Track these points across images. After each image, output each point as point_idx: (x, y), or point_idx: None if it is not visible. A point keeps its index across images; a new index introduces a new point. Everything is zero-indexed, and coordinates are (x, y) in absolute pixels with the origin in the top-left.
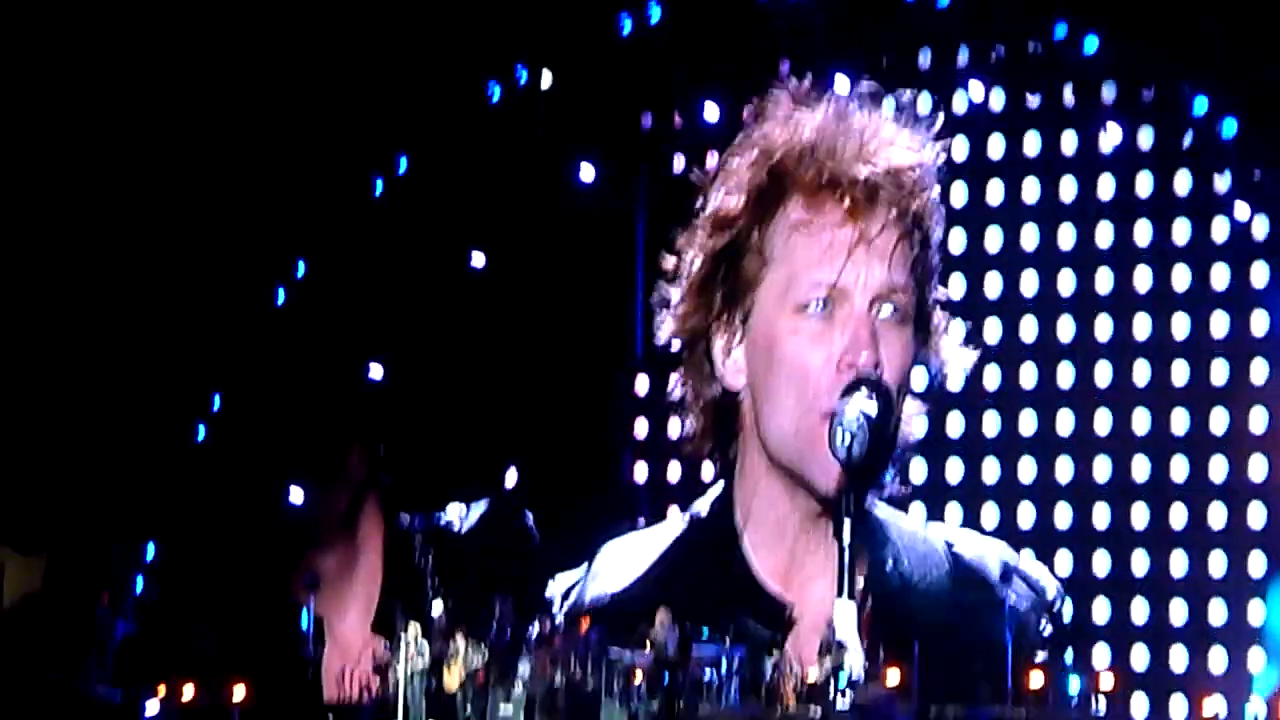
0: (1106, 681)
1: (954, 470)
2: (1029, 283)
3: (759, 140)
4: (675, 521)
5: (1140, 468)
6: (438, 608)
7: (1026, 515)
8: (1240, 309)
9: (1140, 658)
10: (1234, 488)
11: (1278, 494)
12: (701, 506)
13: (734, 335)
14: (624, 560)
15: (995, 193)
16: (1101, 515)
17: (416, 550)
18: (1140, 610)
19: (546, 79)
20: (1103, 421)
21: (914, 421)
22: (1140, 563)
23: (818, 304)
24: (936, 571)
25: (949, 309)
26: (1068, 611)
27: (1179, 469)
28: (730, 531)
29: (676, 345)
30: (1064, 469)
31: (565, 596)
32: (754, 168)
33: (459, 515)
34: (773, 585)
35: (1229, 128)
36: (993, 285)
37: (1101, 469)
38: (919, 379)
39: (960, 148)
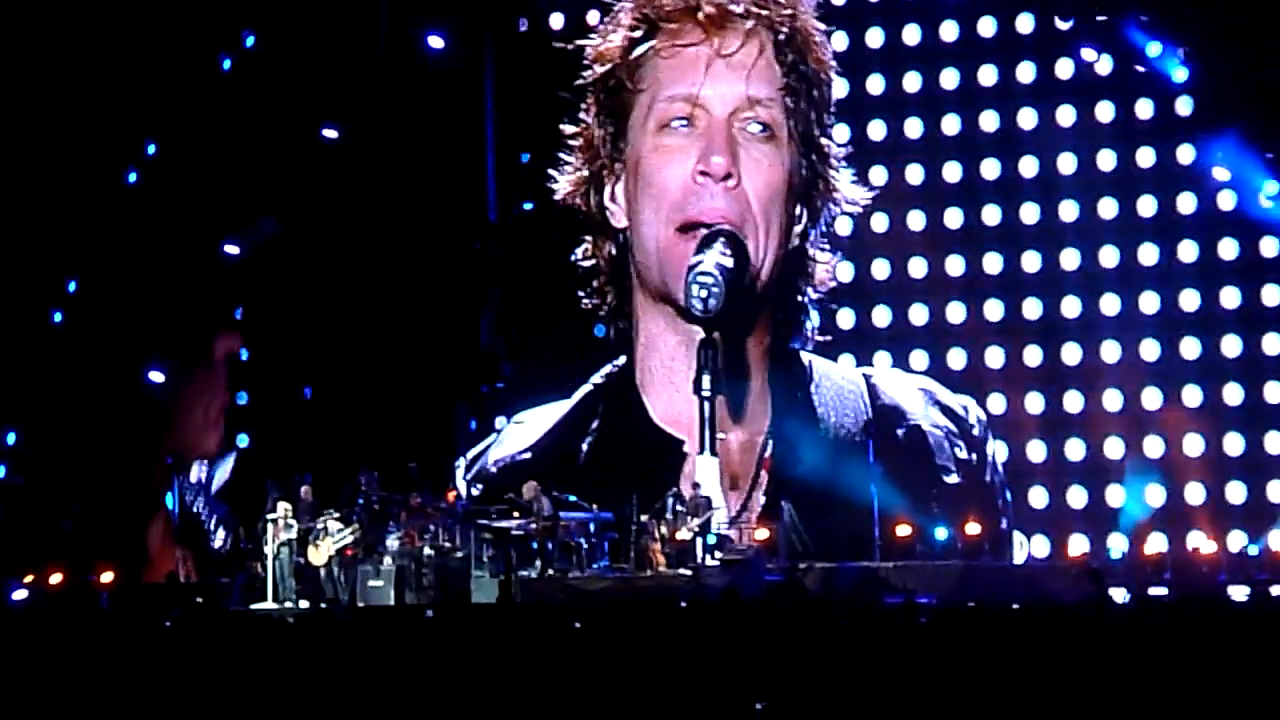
0: (972, 529)
1: (881, 316)
2: (950, 125)
3: None
4: (584, 388)
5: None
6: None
7: (956, 358)
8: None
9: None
10: (1129, 322)
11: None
12: (607, 368)
13: (616, 176)
14: (529, 425)
15: (912, 36)
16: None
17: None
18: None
19: None
20: (1031, 262)
21: (836, 268)
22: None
23: (679, 121)
24: (853, 408)
25: (853, 149)
26: (989, 438)
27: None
28: (630, 384)
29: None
30: (993, 310)
31: (471, 463)
32: (632, 10)
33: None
34: (667, 426)
35: None
36: (913, 129)
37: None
38: (842, 226)
39: None
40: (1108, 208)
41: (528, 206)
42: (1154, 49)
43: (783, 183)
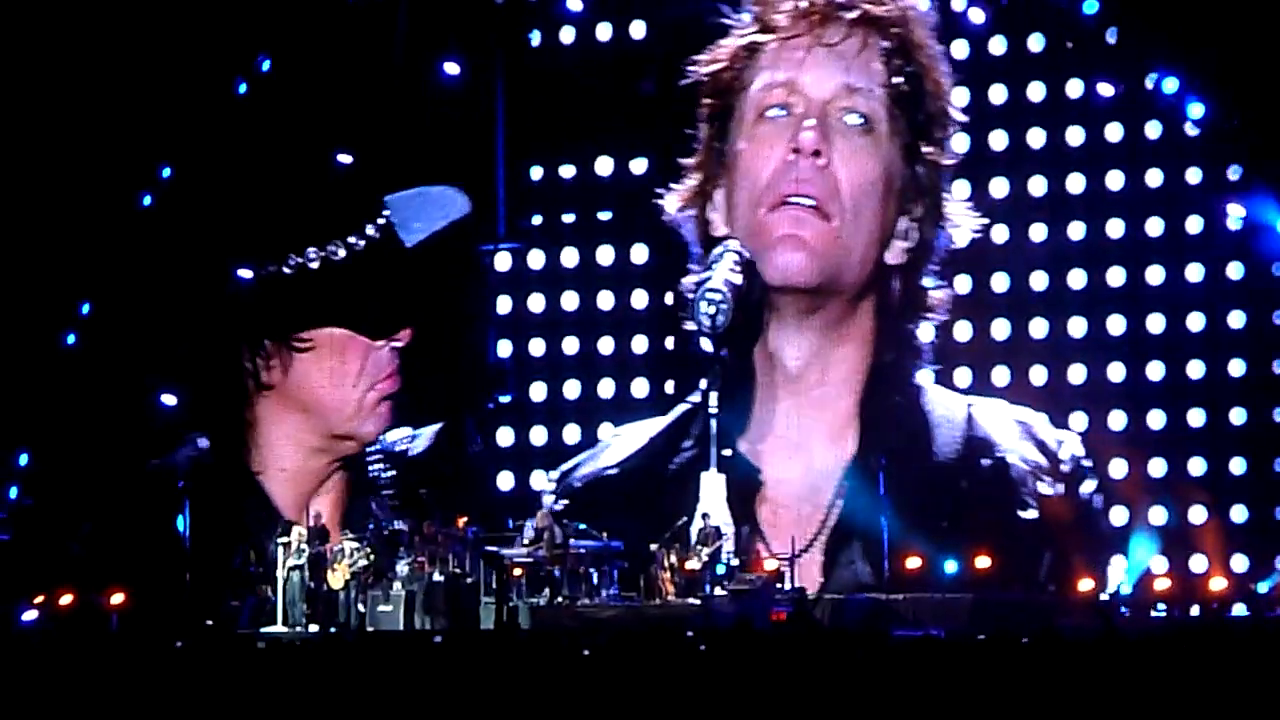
0: (982, 562)
1: (962, 331)
2: (1036, 139)
3: None
4: (681, 406)
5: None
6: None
7: (1039, 375)
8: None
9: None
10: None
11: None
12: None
13: (718, 183)
14: (623, 441)
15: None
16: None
17: (371, 468)
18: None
19: None
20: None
21: (940, 292)
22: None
23: (777, 110)
24: (949, 438)
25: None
26: (1082, 475)
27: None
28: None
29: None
30: (1077, 327)
31: (562, 477)
32: (751, 19)
33: (405, 438)
34: (747, 452)
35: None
36: (998, 142)
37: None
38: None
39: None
40: (1194, 224)
41: (536, 220)
42: (1170, 85)
43: (878, 178)
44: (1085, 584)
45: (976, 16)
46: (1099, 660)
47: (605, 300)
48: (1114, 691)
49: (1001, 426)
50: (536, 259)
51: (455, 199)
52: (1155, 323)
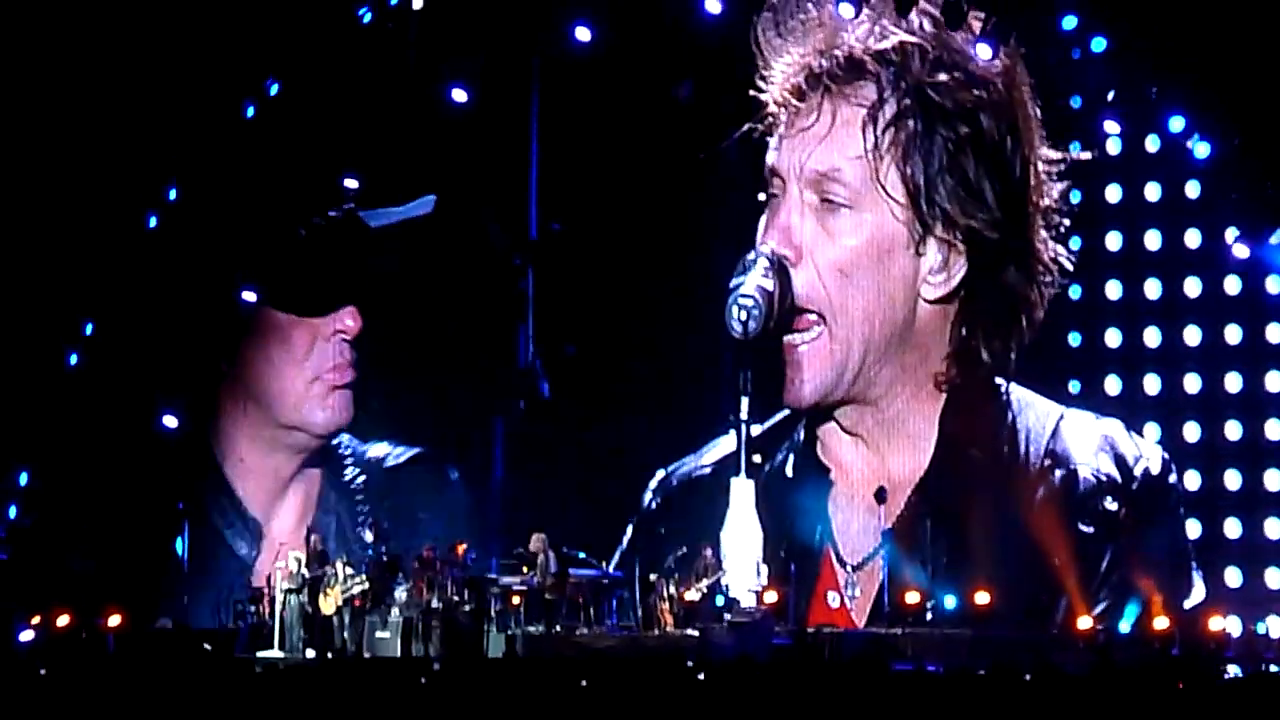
0: (982, 599)
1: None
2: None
3: None
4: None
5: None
6: (367, 533)
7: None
8: None
9: None
10: None
11: None
12: None
13: None
14: (730, 439)
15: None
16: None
17: (348, 471)
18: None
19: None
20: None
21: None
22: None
23: (769, 195)
24: (1034, 450)
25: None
26: (1156, 498)
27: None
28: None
29: None
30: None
31: (668, 474)
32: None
33: (388, 452)
34: (826, 458)
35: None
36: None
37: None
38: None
39: None
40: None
41: (555, 227)
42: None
43: (863, 253)
44: (1084, 622)
45: None
46: (1096, 699)
47: None
48: None
49: (1084, 439)
50: None
51: (425, 201)
52: (1232, 333)
